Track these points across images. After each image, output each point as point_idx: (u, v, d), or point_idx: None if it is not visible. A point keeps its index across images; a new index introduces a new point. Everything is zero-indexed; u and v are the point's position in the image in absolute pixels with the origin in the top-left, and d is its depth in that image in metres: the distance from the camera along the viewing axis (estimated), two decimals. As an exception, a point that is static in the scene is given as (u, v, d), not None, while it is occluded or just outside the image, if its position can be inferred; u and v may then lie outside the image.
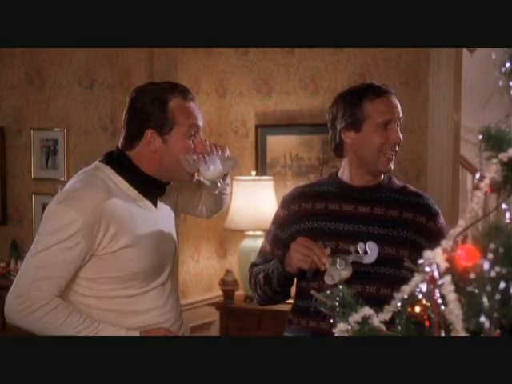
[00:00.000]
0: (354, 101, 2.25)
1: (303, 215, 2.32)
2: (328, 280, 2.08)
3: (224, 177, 2.26)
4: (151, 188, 2.20)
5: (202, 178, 2.33)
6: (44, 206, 4.62)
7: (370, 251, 2.14)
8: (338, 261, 2.09)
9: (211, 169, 2.16)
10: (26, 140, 4.74)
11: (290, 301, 2.44)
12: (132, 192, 2.16)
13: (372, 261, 2.14)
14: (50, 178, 4.66)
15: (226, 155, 2.22)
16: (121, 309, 2.13)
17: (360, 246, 2.14)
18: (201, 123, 2.19)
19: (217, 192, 2.37)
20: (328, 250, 2.12)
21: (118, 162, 2.18)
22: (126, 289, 2.13)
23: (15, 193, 4.80)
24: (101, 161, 2.20)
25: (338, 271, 2.08)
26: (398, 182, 2.38)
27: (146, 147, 2.15)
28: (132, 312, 2.14)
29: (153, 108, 2.13)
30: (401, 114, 2.27)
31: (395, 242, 2.24)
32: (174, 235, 2.32)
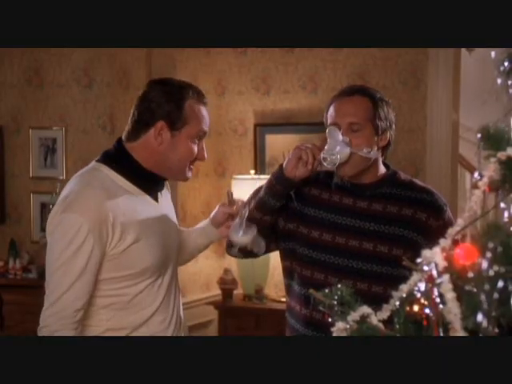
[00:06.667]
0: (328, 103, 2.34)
1: (309, 200, 2.33)
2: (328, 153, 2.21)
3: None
4: (150, 183, 2.19)
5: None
6: (42, 205, 4.71)
7: None
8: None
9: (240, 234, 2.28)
10: (24, 139, 4.74)
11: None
12: (132, 188, 2.15)
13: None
14: (48, 176, 4.66)
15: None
16: (126, 306, 2.12)
17: None
18: (207, 129, 2.21)
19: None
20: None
21: (116, 159, 2.16)
22: (133, 286, 2.11)
23: (14, 191, 4.80)
24: (98, 160, 2.19)
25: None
26: (403, 177, 2.36)
27: (153, 138, 2.13)
28: (136, 308, 2.14)
29: (168, 101, 2.12)
30: (351, 120, 2.23)
31: (389, 240, 2.23)
32: (177, 229, 2.33)
